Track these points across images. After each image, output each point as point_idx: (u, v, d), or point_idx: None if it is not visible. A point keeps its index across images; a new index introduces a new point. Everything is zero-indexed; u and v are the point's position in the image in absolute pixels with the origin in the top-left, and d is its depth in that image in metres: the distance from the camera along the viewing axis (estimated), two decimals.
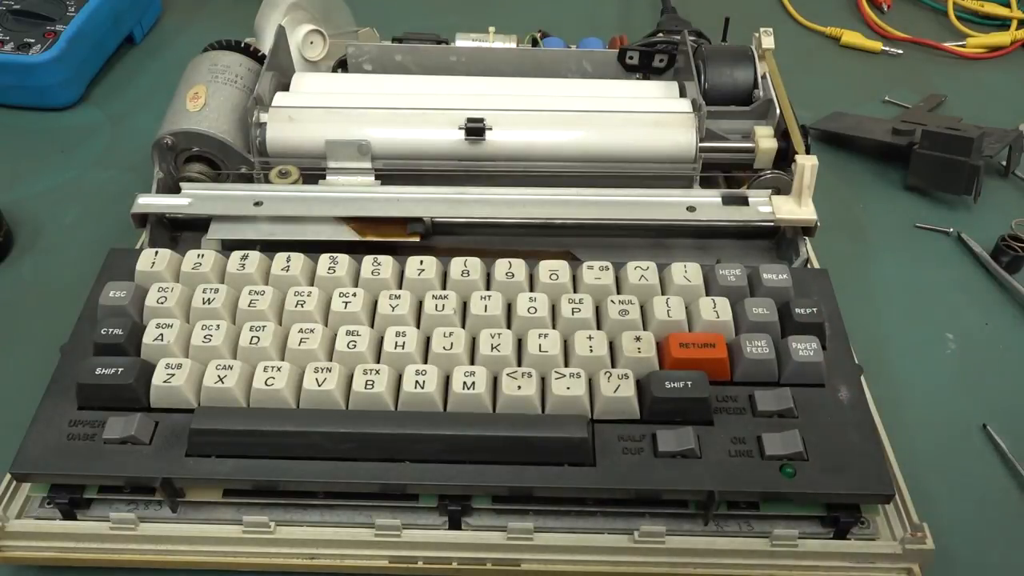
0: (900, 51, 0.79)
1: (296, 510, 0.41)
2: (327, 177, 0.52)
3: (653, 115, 0.54)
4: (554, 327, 0.44)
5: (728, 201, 0.50)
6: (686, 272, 0.46)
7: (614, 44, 0.66)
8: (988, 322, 0.55)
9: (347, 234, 0.49)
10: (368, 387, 0.40)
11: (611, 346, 0.43)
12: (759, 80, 0.57)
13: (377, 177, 0.52)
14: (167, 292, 0.44)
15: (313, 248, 0.47)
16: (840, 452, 0.39)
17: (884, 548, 0.39)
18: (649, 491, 0.39)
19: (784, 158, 0.53)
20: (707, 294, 0.45)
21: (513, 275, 0.46)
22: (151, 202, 0.50)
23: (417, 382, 0.40)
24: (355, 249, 0.47)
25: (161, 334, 0.42)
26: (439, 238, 0.50)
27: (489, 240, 0.51)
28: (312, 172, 0.52)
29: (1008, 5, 0.82)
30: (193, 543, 0.40)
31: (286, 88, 0.58)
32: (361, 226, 0.49)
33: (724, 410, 0.41)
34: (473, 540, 0.40)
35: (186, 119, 0.52)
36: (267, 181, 0.51)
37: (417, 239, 0.49)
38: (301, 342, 0.42)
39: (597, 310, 0.45)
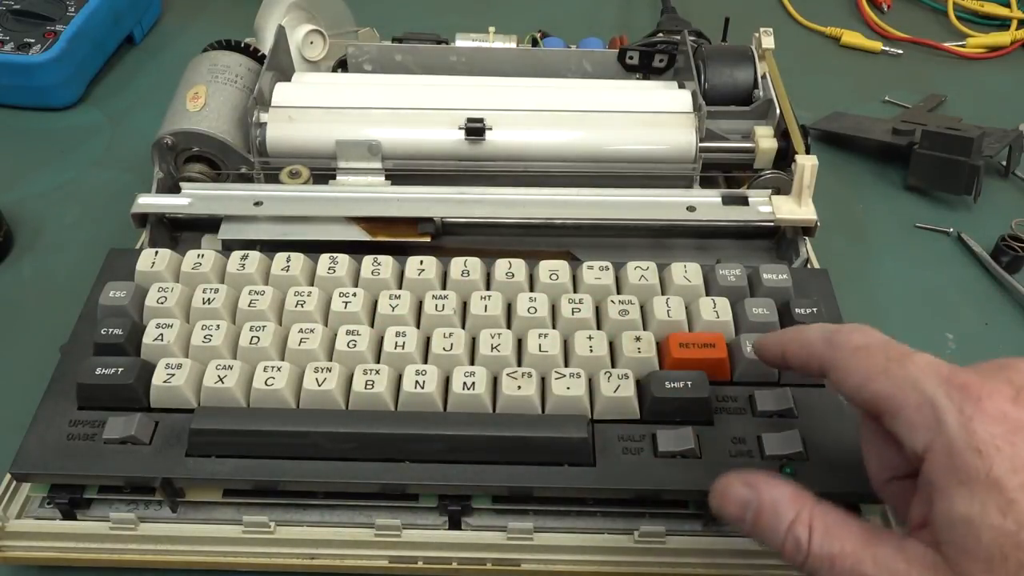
0: (900, 51, 0.79)
1: (296, 510, 0.41)
2: (337, 177, 0.52)
3: (653, 115, 0.54)
4: (554, 327, 0.44)
5: (728, 201, 0.50)
6: (686, 272, 0.46)
7: (614, 44, 0.66)
8: (988, 322, 0.55)
9: (358, 234, 0.49)
10: (368, 387, 0.40)
11: (611, 346, 0.43)
12: (759, 80, 0.57)
13: (388, 177, 0.53)
14: (167, 292, 0.44)
15: (322, 248, 0.47)
16: (840, 452, 0.39)
17: None
18: (649, 491, 0.39)
19: (784, 158, 0.53)
20: (707, 294, 0.45)
21: (513, 275, 0.46)
22: (151, 202, 0.50)
23: (417, 382, 0.40)
24: (365, 249, 0.47)
25: (161, 334, 0.42)
26: (447, 238, 0.50)
27: (491, 240, 0.51)
28: (315, 172, 0.52)
29: (1008, 5, 0.82)
30: (193, 543, 0.40)
31: None
32: (372, 226, 0.49)
33: (724, 410, 0.41)
34: (473, 540, 0.40)
35: (186, 119, 0.52)
36: (276, 181, 0.51)
37: (428, 239, 0.49)
38: (301, 342, 0.42)
39: (597, 310, 0.45)
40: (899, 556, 0.28)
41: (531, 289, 0.46)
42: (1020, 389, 0.28)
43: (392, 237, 0.49)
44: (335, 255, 0.46)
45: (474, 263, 0.46)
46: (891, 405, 0.29)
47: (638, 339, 0.42)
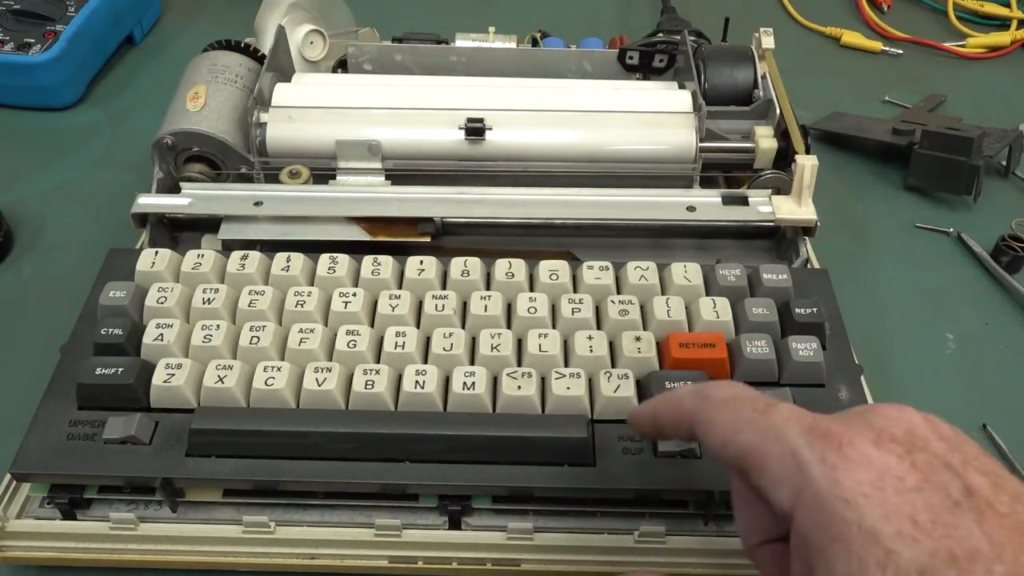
0: (900, 51, 0.79)
1: (296, 510, 0.41)
2: (337, 177, 0.52)
3: (653, 115, 0.54)
4: (554, 327, 0.44)
5: (728, 201, 0.50)
6: (686, 272, 0.46)
7: (614, 44, 0.66)
8: (988, 322, 0.55)
9: (358, 234, 0.49)
10: (368, 387, 0.40)
11: (611, 346, 0.43)
12: (759, 80, 0.57)
13: (388, 177, 0.53)
14: (167, 292, 0.44)
15: (322, 248, 0.47)
16: None
17: None
18: (649, 491, 0.39)
19: (784, 158, 0.53)
20: (707, 294, 0.45)
21: (513, 275, 0.46)
22: (151, 202, 0.50)
23: (417, 382, 0.40)
24: (365, 249, 0.47)
25: (161, 334, 0.42)
26: (447, 238, 0.50)
27: (491, 240, 0.51)
28: (315, 172, 0.52)
29: (1008, 5, 0.82)
30: (193, 543, 0.40)
31: None
32: (372, 226, 0.49)
33: None
34: (473, 540, 0.40)
35: (186, 119, 0.52)
36: (276, 181, 0.51)
37: (428, 239, 0.49)
38: (301, 342, 0.42)
39: (597, 310, 0.45)
40: None
41: (531, 289, 0.46)
42: (881, 431, 0.26)
43: (392, 237, 0.49)
44: (335, 255, 0.46)
45: (474, 263, 0.46)
46: (756, 459, 0.28)
47: (638, 339, 0.42)
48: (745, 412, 0.29)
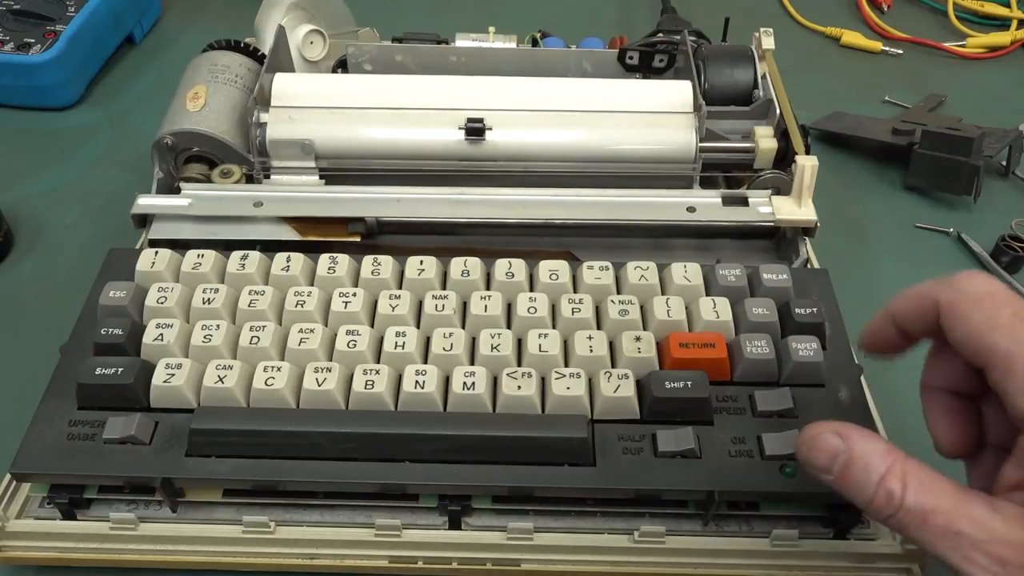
0: (900, 51, 0.79)
1: (296, 510, 0.41)
2: (271, 176, 0.53)
3: (653, 115, 0.54)
4: (554, 327, 0.44)
5: (728, 201, 0.50)
6: (686, 272, 0.46)
7: (614, 44, 0.66)
8: None
9: (288, 233, 0.49)
10: (368, 387, 0.40)
11: (611, 346, 0.43)
12: (759, 80, 0.57)
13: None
14: (167, 292, 0.44)
15: (265, 248, 0.47)
16: None
17: (884, 548, 0.40)
18: (649, 491, 0.39)
19: (784, 158, 0.53)
20: (707, 294, 0.45)
21: (513, 275, 0.46)
22: (151, 202, 0.50)
23: (417, 382, 0.40)
24: (296, 248, 0.48)
25: (161, 334, 0.42)
26: (448, 238, 0.50)
27: (491, 240, 0.51)
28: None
29: (1008, 5, 0.82)
30: (193, 543, 0.40)
31: None
32: (302, 226, 0.49)
33: (724, 410, 0.41)
34: (473, 540, 0.40)
35: (186, 119, 0.52)
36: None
37: (358, 239, 0.49)
38: (301, 342, 0.42)
39: (597, 310, 0.45)
40: (995, 516, 0.29)
41: (531, 289, 0.46)
42: None
43: (321, 236, 0.49)
44: (335, 255, 0.46)
45: (474, 263, 0.46)
46: (1005, 362, 0.29)
47: (638, 339, 0.42)
48: (1005, 313, 0.30)
